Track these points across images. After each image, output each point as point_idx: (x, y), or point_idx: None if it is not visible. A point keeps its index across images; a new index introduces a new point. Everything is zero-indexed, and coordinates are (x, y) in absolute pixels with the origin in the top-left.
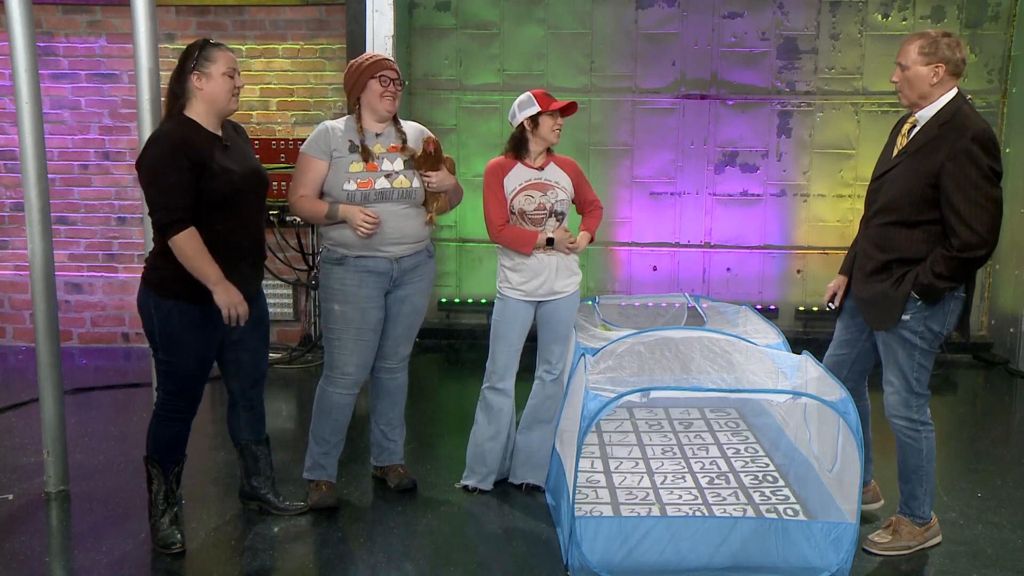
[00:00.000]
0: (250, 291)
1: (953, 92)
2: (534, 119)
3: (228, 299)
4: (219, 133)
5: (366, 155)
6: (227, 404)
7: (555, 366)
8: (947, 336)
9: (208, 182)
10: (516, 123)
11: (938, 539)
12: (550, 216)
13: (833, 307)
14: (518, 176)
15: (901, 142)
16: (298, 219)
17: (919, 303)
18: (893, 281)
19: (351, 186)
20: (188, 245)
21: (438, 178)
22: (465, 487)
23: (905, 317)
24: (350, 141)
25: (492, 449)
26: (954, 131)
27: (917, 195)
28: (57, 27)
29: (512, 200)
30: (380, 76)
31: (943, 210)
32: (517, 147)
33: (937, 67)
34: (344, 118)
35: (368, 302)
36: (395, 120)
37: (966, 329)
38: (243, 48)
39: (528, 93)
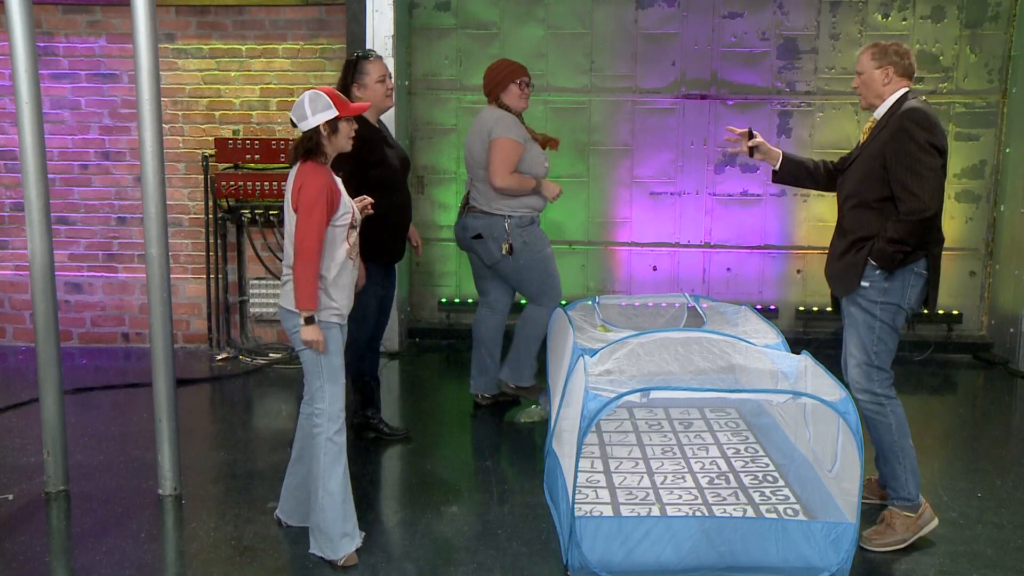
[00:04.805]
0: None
1: (903, 90)
2: (332, 124)
3: None
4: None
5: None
6: (363, 348)
7: None
8: (910, 313)
9: (376, 170)
10: (311, 126)
11: (934, 523)
12: (353, 228)
13: (736, 138)
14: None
15: (862, 138)
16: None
17: (877, 271)
18: (855, 252)
19: (547, 164)
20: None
21: None
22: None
23: (864, 284)
24: (526, 131)
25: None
26: (895, 116)
27: (872, 178)
28: (57, 27)
29: (356, 211)
30: (520, 81)
31: (891, 183)
32: (313, 153)
33: (887, 69)
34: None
35: None
36: None
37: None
38: (243, 48)
39: (320, 92)
